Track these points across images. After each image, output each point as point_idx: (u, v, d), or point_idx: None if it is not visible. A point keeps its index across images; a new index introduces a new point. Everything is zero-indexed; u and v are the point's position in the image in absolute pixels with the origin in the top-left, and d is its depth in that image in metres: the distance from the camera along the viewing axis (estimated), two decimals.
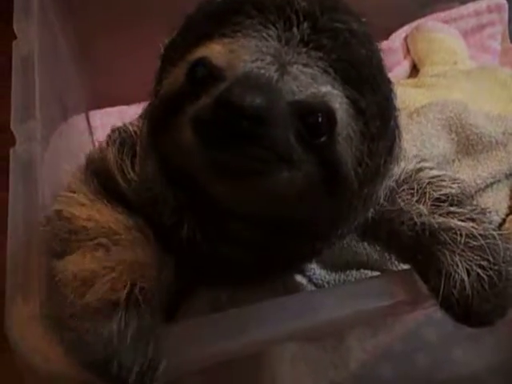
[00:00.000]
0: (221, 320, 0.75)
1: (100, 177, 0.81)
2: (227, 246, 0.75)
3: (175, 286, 0.80)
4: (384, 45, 1.66)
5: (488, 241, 0.77)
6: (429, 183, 0.83)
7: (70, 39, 1.43)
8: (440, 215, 0.80)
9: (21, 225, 0.83)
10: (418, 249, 0.80)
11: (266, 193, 0.65)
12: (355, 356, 0.95)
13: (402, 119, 1.21)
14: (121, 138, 0.84)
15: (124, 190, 0.80)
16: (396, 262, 0.97)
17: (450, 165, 1.21)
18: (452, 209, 0.80)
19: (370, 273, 1.09)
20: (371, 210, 0.78)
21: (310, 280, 1.07)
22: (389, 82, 0.74)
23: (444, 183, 0.83)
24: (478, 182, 1.20)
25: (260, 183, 0.64)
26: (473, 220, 0.79)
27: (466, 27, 1.71)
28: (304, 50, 0.65)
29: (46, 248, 0.75)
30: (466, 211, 0.80)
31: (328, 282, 1.08)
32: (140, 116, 0.81)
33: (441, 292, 0.75)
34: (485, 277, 0.75)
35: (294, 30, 0.66)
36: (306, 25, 0.66)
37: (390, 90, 0.74)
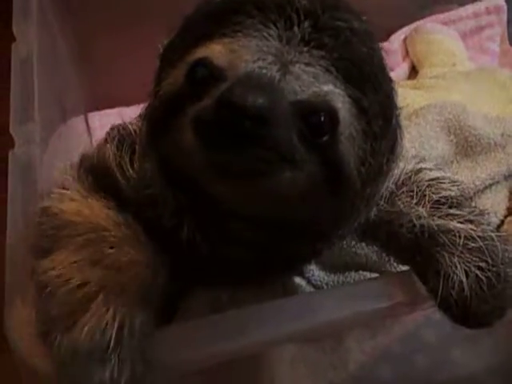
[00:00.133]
0: (220, 321, 0.75)
1: (95, 173, 0.80)
2: (227, 247, 0.75)
3: (175, 287, 0.80)
4: (384, 46, 1.65)
5: (486, 242, 0.77)
6: (428, 185, 0.83)
7: (69, 41, 1.43)
8: (439, 217, 0.80)
9: (20, 227, 0.83)
10: (417, 250, 0.80)
11: (269, 193, 0.65)
12: (354, 357, 0.95)
13: (402, 122, 1.21)
14: (120, 135, 0.84)
15: (123, 186, 0.79)
16: (395, 264, 0.97)
17: (448, 166, 1.21)
18: (451, 211, 0.80)
19: (368, 274, 1.09)
20: (373, 209, 0.78)
21: (308, 281, 1.07)
22: (390, 80, 0.74)
23: (443, 185, 0.83)
24: (477, 183, 1.20)
25: (262, 184, 0.63)
26: (471, 222, 0.79)
27: (464, 29, 1.71)
28: (305, 49, 0.65)
29: (30, 247, 0.74)
30: (464, 213, 0.80)
31: (327, 284, 1.08)
32: (139, 116, 0.81)
33: (439, 293, 0.75)
34: (483, 278, 0.75)
35: (295, 28, 0.65)
36: (306, 24, 0.66)
37: (392, 89, 0.74)
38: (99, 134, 1.52)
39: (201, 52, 0.66)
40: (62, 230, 0.72)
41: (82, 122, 1.54)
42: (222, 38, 0.66)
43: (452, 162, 1.23)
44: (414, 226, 0.80)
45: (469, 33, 1.72)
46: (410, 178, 0.84)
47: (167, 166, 0.70)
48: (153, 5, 1.43)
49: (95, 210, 0.74)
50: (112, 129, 0.87)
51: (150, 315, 0.71)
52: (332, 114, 0.64)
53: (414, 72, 1.65)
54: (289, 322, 0.75)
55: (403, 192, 0.83)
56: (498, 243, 0.78)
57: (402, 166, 0.84)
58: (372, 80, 0.69)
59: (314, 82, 0.64)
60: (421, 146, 1.19)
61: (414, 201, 0.81)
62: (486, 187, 1.21)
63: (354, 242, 0.95)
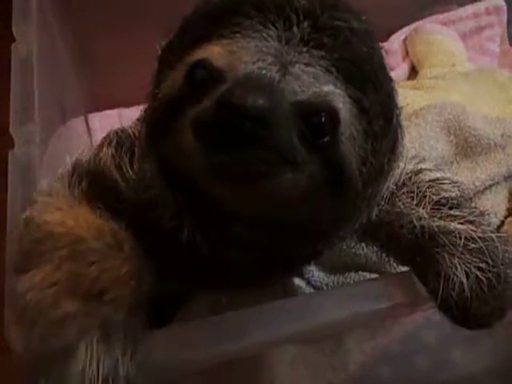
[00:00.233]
0: (220, 322, 0.75)
1: (90, 178, 0.79)
2: (228, 249, 0.75)
3: (174, 289, 0.80)
4: (383, 46, 1.65)
5: (487, 243, 0.77)
6: (428, 186, 0.82)
7: (69, 41, 1.43)
8: (439, 218, 0.79)
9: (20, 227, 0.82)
10: (417, 251, 0.80)
11: (270, 195, 0.64)
12: (354, 358, 0.95)
13: (403, 122, 1.21)
14: (118, 137, 0.83)
15: (122, 188, 0.79)
16: (395, 264, 0.97)
17: (448, 167, 1.21)
18: (451, 212, 0.80)
19: (368, 275, 1.09)
20: (374, 210, 0.77)
21: (308, 282, 1.08)
22: (390, 79, 0.74)
23: (443, 186, 0.83)
24: (477, 184, 1.20)
25: (263, 185, 0.63)
26: (472, 222, 0.79)
27: (464, 29, 1.71)
28: (305, 49, 0.64)
29: (10, 262, 0.73)
30: (465, 214, 0.80)
31: (327, 285, 1.08)
32: (138, 119, 0.80)
33: (439, 294, 0.75)
34: (483, 279, 0.75)
35: (294, 29, 0.65)
36: (306, 24, 0.65)
37: (392, 88, 0.73)
38: (99, 134, 1.52)
39: (200, 53, 0.66)
40: (42, 243, 0.71)
41: (81, 122, 1.54)
42: (220, 39, 0.66)
43: (452, 162, 1.23)
44: (415, 226, 0.80)
45: (468, 33, 1.72)
46: (410, 178, 0.84)
47: (167, 168, 0.70)
48: (153, 6, 1.42)
49: (80, 220, 0.73)
50: (109, 133, 0.86)
51: (137, 322, 0.70)
52: (333, 115, 0.64)
53: (413, 72, 1.65)
54: (289, 323, 0.75)
55: (403, 193, 0.82)
56: (498, 244, 0.78)
57: (402, 167, 0.84)
58: (372, 80, 0.68)
59: (314, 82, 0.63)
60: (420, 147, 1.19)
61: (415, 202, 0.81)
62: (485, 188, 1.21)
63: (353, 243, 0.96)
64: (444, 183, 0.84)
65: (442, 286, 0.75)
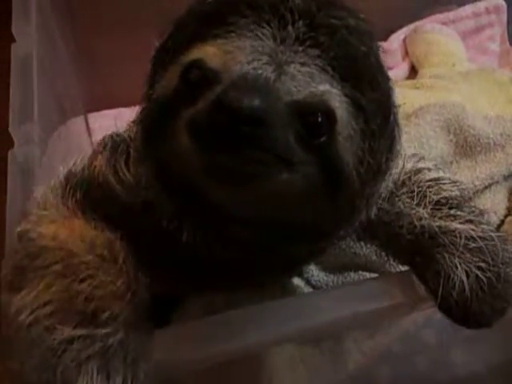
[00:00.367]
0: (219, 322, 0.75)
1: (86, 187, 0.78)
2: (227, 249, 0.74)
3: (172, 291, 0.79)
4: (383, 46, 1.65)
5: (487, 242, 0.77)
6: (428, 186, 0.82)
7: (69, 42, 1.43)
8: (440, 218, 0.79)
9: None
10: (417, 251, 0.79)
11: (267, 195, 0.64)
12: (353, 358, 0.95)
13: (400, 121, 1.21)
14: (113, 141, 0.83)
15: (118, 192, 0.78)
16: (394, 264, 0.97)
17: (448, 166, 1.21)
18: (451, 212, 0.80)
19: (368, 274, 1.09)
20: (373, 208, 0.77)
21: (308, 282, 1.07)
22: (387, 78, 0.73)
23: (443, 186, 0.83)
24: (477, 183, 1.20)
25: (260, 186, 0.63)
26: (471, 222, 0.79)
27: (464, 29, 1.71)
28: (300, 48, 0.64)
29: (3, 278, 0.71)
30: (464, 213, 0.80)
31: (326, 284, 1.08)
32: (133, 121, 0.79)
33: (439, 293, 0.75)
34: (483, 278, 0.75)
35: (290, 28, 0.64)
36: (301, 22, 0.65)
37: (389, 87, 0.73)
38: (99, 134, 1.52)
39: (194, 54, 0.65)
40: (35, 259, 0.70)
41: (81, 122, 1.54)
42: (215, 39, 0.65)
43: (451, 162, 1.23)
44: (415, 227, 0.79)
45: (468, 33, 1.72)
46: (409, 178, 0.84)
47: (163, 170, 0.69)
48: (153, 6, 1.42)
49: (74, 233, 0.72)
50: (103, 138, 0.85)
51: (137, 338, 0.69)
52: (329, 114, 0.63)
53: (413, 72, 1.65)
54: (288, 323, 0.75)
55: (403, 192, 0.82)
56: (498, 243, 0.78)
57: (401, 165, 0.83)
58: (369, 78, 0.68)
59: (310, 81, 0.63)
60: (420, 146, 1.19)
61: (415, 201, 0.81)
62: (485, 187, 1.21)
63: (352, 242, 0.95)
64: (444, 183, 0.84)
65: (442, 286, 0.75)
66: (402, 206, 0.81)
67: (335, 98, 0.64)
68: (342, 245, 0.98)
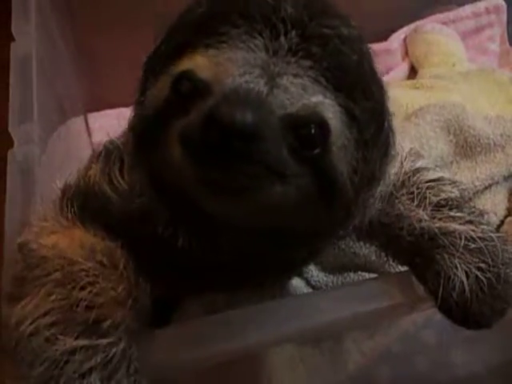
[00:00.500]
0: (219, 321, 0.75)
1: (82, 198, 0.78)
2: (223, 255, 0.74)
3: (171, 294, 0.79)
4: (383, 46, 1.66)
5: (487, 243, 0.77)
6: (428, 187, 0.82)
7: (69, 41, 1.43)
8: (440, 219, 0.79)
9: (18, 227, 0.82)
10: (417, 252, 0.79)
11: (260, 207, 0.64)
12: (353, 358, 0.95)
13: (400, 121, 1.21)
14: (106, 149, 0.82)
15: (114, 201, 0.77)
16: (394, 264, 0.97)
17: (448, 167, 1.21)
18: (452, 213, 0.80)
19: (367, 275, 1.09)
20: (368, 212, 0.77)
21: (307, 282, 1.08)
22: (381, 85, 0.72)
23: (443, 187, 0.83)
24: (477, 183, 1.20)
25: (253, 198, 0.62)
26: (471, 223, 0.79)
27: (464, 29, 1.71)
28: (293, 59, 0.63)
29: (4, 290, 0.71)
30: (464, 214, 0.80)
31: (326, 284, 1.08)
32: (126, 129, 0.78)
33: (439, 294, 0.75)
34: (483, 279, 0.75)
35: (282, 38, 0.63)
36: (294, 33, 0.64)
37: (383, 94, 0.72)
38: (98, 134, 1.52)
39: (185, 64, 0.64)
40: (35, 269, 0.70)
41: (81, 122, 1.54)
42: (206, 50, 0.64)
43: (451, 162, 1.23)
44: (415, 228, 0.79)
45: (468, 33, 1.72)
46: (409, 178, 0.83)
47: (156, 179, 0.69)
48: (153, 6, 1.42)
49: (74, 241, 0.72)
50: (97, 149, 0.85)
51: (137, 341, 0.69)
52: (322, 125, 0.63)
53: (413, 72, 1.65)
54: (287, 323, 0.75)
55: (403, 194, 0.82)
56: (498, 244, 0.78)
57: (399, 165, 0.83)
58: (363, 87, 0.67)
59: (303, 93, 0.62)
60: (420, 147, 1.19)
61: (415, 203, 0.81)
62: (485, 188, 1.21)
63: (352, 243, 0.95)
64: (443, 184, 0.83)
65: (442, 286, 0.75)
66: (401, 208, 0.81)
67: (328, 108, 0.63)
68: (342, 245, 0.98)
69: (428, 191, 0.81)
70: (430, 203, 0.80)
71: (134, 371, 0.67)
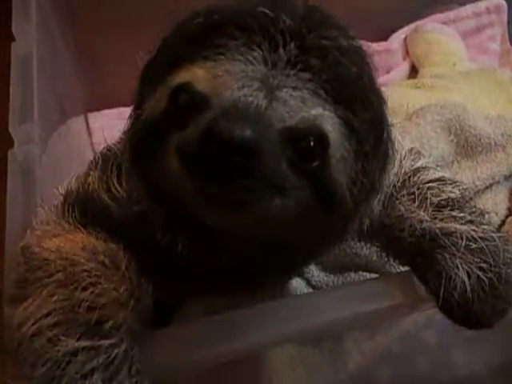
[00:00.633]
0: (219, 322, 0.75)
1: (82, 204, 0.78)
2: (222, 260, 0.73)
3: (171, 296, 0.79)
4: (383, 46, 1.66)
5: (488, 243, 0.77)
6: (429, 188, 0.82)
7: (69, 41, 1.43)
8: (441, 220, 0.79)
9: (19, 227, 0.82)
10: (418, 253, 0.79)
11: (259, 220, 0.64)
12: (353, 358, 0.95)
13: (401, 121, 1.21)
14: (104, 156, 0.82)
15: (112, 209, 0.77)
16: (395, 264, 0.97)
17: (449, 166, 1.21)
18: (453, 213, 0.79)
19: (368, 275, 1.09)
20: (367, 219, 0.76)
21: (308, 282, 1.07)
22: (380, 95, 0.72)
23: (444, 187, 0.82)
24: (478, 183, 1.20)
25: (252, 211, 0.62)
26: (472, 223, 0.79)
27: (465, 29, 1.71)
28: (292, 72, 0.62)
29: (6, 292, 0.71)
30: (465, 214, 0.80)
31: (326, 284, 1.08)
32: (122, 138, 0.77)
33: (441, 294, 0.75)
34: (485, 279, 0.75)
35: (281, 50, 0.63)
36: (292, 45, 0.63)
37: (382, 104, 0.72)
38: (99, 134, 1.52)
39: (183, 76, 0.63)
40: (37, 270, 0.70)
41: (81, 122, 1.54)
42: (204, 62, 0.63)
43: (452, 162, 1.23)
44: (416, 229, 0.79)
45: (469, 32, 1.72)
46: (409, 178, 0.83)
47: (154, 189, 0.68)
48: (153, 6, 1.42)
49: (76, 243, 0.72)
50: (95, 155, 0.84)
51: (138, 342, 0.69)
52: (322, 138, 0.62)
53: (414, 71, 1.65)
54: (287, 323, 0.75)
55: (403, 195, 0.81)
56: (499, 243, 0.78)
57: (399, 164, 0.83)
58: (362, 98, 0.67)
59: (302, 106, 0.61)
60: (421, 146, 1.19)
61: (415, 204, 0.80)
62: (486, 187, 1.21)
63: (353, 243, 0.95)
64: (444, 184, 0.83)
65: (444, 287, 0.75)
66: (402, 209, 0.81)
67: (328, 121, 0.63)
68: (343, 245, 0.98)
69: (429, 192, 0.81)
70: (430, 204, 0.80)
71: (135, 372, 0.67)
